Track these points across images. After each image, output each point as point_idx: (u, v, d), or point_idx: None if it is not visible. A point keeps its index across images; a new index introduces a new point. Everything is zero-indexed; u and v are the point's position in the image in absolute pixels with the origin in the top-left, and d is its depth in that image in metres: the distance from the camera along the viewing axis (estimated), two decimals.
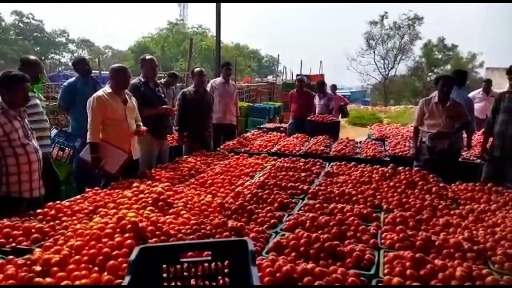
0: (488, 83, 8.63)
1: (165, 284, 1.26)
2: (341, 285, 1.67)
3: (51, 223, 2.45)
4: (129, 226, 2.05)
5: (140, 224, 2.09)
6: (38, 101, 3.74)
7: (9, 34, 40.31)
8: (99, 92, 3.79)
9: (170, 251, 1.26)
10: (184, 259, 1.28)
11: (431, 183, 3.48)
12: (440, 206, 2.92)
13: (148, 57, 4.84)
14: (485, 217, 2.73)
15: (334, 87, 11.21)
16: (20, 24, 41.70)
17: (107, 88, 3.85)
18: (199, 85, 5.25)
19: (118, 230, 2.05)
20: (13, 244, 2.22)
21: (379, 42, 38.09)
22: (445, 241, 2.24)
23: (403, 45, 37.46)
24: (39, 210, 2.70)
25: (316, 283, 1.72)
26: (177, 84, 9.97)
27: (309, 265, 1.85)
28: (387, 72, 38.47)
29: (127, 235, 2.00)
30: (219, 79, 6.32)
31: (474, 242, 2.30)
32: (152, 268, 1.25)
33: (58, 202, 2.88)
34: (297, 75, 16.29)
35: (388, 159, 4.86)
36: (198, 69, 5.45)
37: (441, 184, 3.52)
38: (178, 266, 1.27)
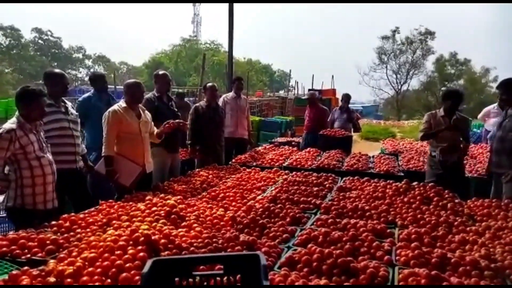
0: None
1: None
2: None
3: (66, 235, 2.48)
4: (142, 238, 2.06)
5: (153, 237, 2.10)
6: (61, 116, 3.61)
7: (28, 51, 41.53)
8: (115, 107, 3.86)
9: (182, 264, 1.26)
10: (197, 273, 1.28)
11: (446, 199, 3.42)
12: (456, 223, 2.86)
13: (161, 72, 4.93)
14: (502, 234, 2.66)
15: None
16: (39, 41, 42.98)
17: (122, 103, 3.92)
18: (212, 100, 5.31)
19: (131, 242, 2.06)
20: (28, 255, 2.25)
21: (391, 57, 38.07)
22: (461, 259, 2.19)
23: (415, 59, 37.34)
24: (54, 222, 2.73)
25: None
26: (191, 98, 10.11)
27: (322, 281, 1.83)
28: (399, 87, 38.30)
29: (140, 247, 2.01)
30: (231, 94, 6.38)
31: (491, 259, 2.24)
32: (164, 281, 1.25)
33: (72, 214, 2.91)
34: (309, 90, 16.37)
35: (402, 174, 4.80)
36: (210, 84, 5.53)
37: (456, 200, 3.46)
38: (190, 280, 1.27)
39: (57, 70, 3.82)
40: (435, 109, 5.21)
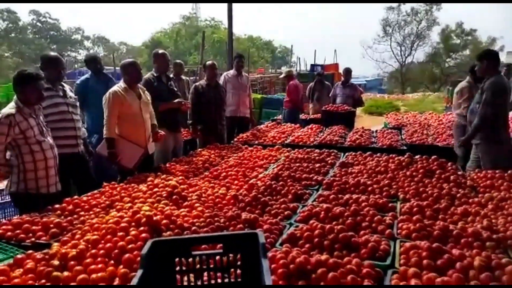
0: (508, 67, 8.38)
1: (177, 276, 1.27)
2: (355, 277, 1.64)
3: (69, 217, 2.50)
4: (144, 219, 2.07)
5: (155, 218, 2.11)
6: (60, 100, 3.57)
7: (27, 34, 41.13)
8: (115, 88, 3.83)
9: (182, 244, 1.27)
10: (196, 252, 1.28)
11: (449, 171, 3.41)
12: (458, 195, 2.86)
13: (160, 51, 4.86)
14: (505, 205, 2.65)
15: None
16: (37, 23, 42.48)
17: (122, 84, 3.88)
18: (212, 78, 5.25)
19: (133, 224, 2.08)
20: (33, 239, 2.27)
21: (396, 29, 37.39)
22: (463, 230, 2.19)
23: (420, 31, 36.66)
24: (57, 205, 2.75)
25: (330, 274, 1.70)
26: (191, 78, 10.01)
27: (323, 257, 1.83)
28: (404, 59, 37.78)
29: (141, 228, 2.02)
30: (231, 72, 6.30)
31: (493, 230, 2.24)
32: (165, 261, 1.26)
33: (75, 197, 2.93)
34: (311, 65, 16.17)
35: (405, 148, 4.77)
36: (210, 62, 5.45)
37: (459, 172, 3.45)
38: (190, 259, 1.28)
39: (52, 54, 3.72)
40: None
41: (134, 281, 1.06)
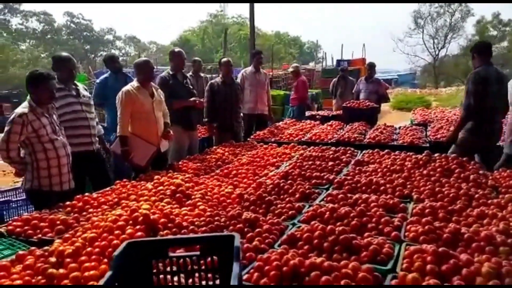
0: None
1: (154, 278, 1.25)
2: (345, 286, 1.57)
3: (76, 215, 2.54)
4: (141, 218, 2.08)
5: (152, 216, 2.11)
6: (73, 99, 3.62)
7: (61, 35, 42.73)
8: (127, 87, 3.88)
9: (158, 245, 1.24)
10: (173, 254, 1.26)
11: (469, 170, 3.23)
12: (476, 196, 2.69)
13: (176, 50, 4.90)
14: None
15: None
16: (71, 24, 44.03)
17: (134, 83, 3.94)
18: (227, 75, 5.24)
19: (130, 222, 2.08)
20: (39, 236, 2.33)
21: (428, 21, 36.14)
22: (476, 234, 2.05)
23: (454, 22, 35.24)
24: (68, 203, 2.81)
25: (323, 278, 1.64)
26: (214, 75, 10.05)
27: (318, 259, 1.76)
28: (437, 53, 36.47)
29: (138, 227, 2.02)
30: (249, 69, 6.25)
31: (509, 234, 2.09)
32: (142, 262, 1.24)
33: (87, 194, 2.99)
34: (337, 60, 15.89)
35: (427, 145, 4.57)
36: (225, 59, 5.44)
37: (481, 171, 3.26)
38: (167, 261, 1.25)
39: (64, 54, 3.79)
40: None
41: (102, 282, 1.04)
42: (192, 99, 4.65)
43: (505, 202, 2.60)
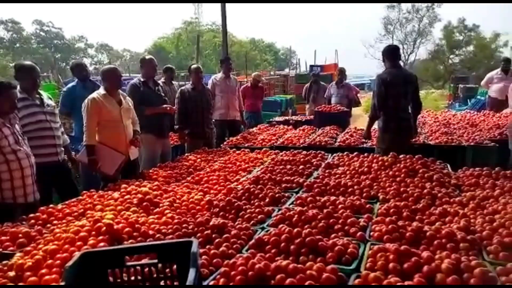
0: (506, 62, 8.21)
1: None
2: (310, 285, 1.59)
3: (39, 227, 2.47)
4: (104, 228, 2.03)
5: (116, 226, 2.07)
6: (37, 109, 3.53)
7: (31, 43, 41.56)
8: (94, 94, 3.81)
9: (114, 255, 1.22)
10: (129, 263, 1.24)
11: (434, 170, 3.32)
12: (439, 194, 2.77)
13: (147, 57, 4.86)
14: (486, 204, 2.57)
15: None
16: (41, 32, 42.92)
17: (101, 90, 3.87)
18: (197, 82, 5.23)
19: (93, 233, 2.04)
20: (0, 249, 2.24)
21: (397, 27, 37.22)
22: (437, 232, 2.12)
23: (422, 28, 36.45)
24: (31, 215, 2.72)
25: (288, 280, 1.65)
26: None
27: (284, 262, 1.77)
28: (407, 57, 37.51)
29: (101, 237, 1.98)
30: (219, 75, 6.26)
31: (469, 231, 2.17)
32: (97, 273, 1.22)
33: (51, 206, 2.90)
34: (310, 66, 16.11)
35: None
36: (194, 66, 5.42)
37: (444, 171, 3.36)
38: (124, 270, 1.23)
39: (27, 63, 3.68)
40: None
41: None
42: (164, 106, 4.62)
43: (466, 200, 2.70)
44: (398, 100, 4.28)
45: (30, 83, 3.51)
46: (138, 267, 1.24)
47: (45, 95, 3.70)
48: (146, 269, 1.27)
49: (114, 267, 1.22)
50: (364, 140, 4.91)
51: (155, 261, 1.25)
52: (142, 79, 4.69)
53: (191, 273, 1.04)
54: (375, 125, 4.70)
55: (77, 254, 1.20)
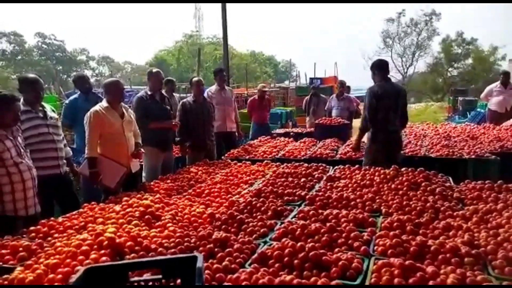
0: (505, 75, 8.27)
1: None
2: None
3: (40, 241, 2.45)
4: (106, 242, 2.02)
5: (118, 240, 2.06)
6: (40, 121, 3.53)
7: (33, 56, 41.85)
8: (96, 107, 3.82)
9: (118, 270, 1.21)
10: (134, 278, 1.22)
11: (436, 183, 3.32)
12: (442, 208, 2.76)
13: (154, 70, 4.90)
14: (490, 218, 2.55)
15: (348, 88, 10.91)
16: (43, 45, 43.24)
17: (104, 103, 3.88)
18: (198, 95, 5.25)
19: (95, 247, 2.02)
20: (0, 263, 2.22)
21: (396, 40, 37.57)
22: (442, 246, 2.11)
23: (420, 41, 36.81)
24: (32, 228, 2.70)
25: None
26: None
27: (288, 277, 1.76)
28: (405, 70, 37.82)
29: (102, 251, 1.96)
30: (214, 87, 6.27)
31: (474, 245, 2.15)
32: None
33: (52, 218, 2.88)
34: (310, 78, 16.20)
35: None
36: (195, 78, 5.46)
37: (447, 184, 3.36)
38: (128, 285, 1.22)
39: (30, 76, 3.69)
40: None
41: None
42: (168, 121, 4.66)
43: (470, 213, 2.69)
44: (388, 113, 4.34)
45: (33, 95, 3.52)
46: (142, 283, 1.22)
47: (48, 107, 3.71)
48: (150, 283, 1.25)
49: (118, 283, 1.20)
50: (353, 152, 4.95)
51: (159, 276, 1.24)
52: (149, 92, 4.72)
53: None
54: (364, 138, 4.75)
55: (80, 269, 1.19)
